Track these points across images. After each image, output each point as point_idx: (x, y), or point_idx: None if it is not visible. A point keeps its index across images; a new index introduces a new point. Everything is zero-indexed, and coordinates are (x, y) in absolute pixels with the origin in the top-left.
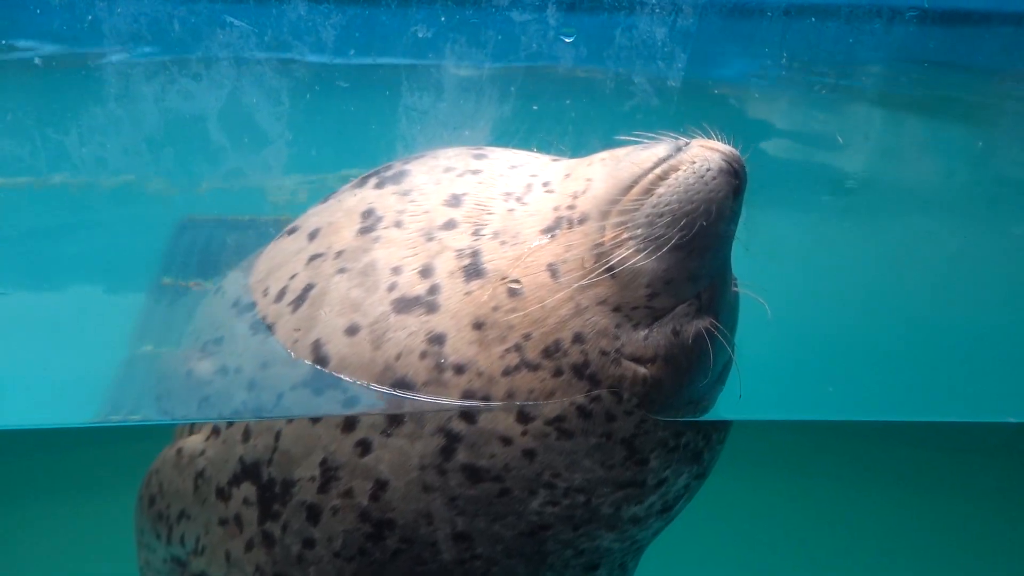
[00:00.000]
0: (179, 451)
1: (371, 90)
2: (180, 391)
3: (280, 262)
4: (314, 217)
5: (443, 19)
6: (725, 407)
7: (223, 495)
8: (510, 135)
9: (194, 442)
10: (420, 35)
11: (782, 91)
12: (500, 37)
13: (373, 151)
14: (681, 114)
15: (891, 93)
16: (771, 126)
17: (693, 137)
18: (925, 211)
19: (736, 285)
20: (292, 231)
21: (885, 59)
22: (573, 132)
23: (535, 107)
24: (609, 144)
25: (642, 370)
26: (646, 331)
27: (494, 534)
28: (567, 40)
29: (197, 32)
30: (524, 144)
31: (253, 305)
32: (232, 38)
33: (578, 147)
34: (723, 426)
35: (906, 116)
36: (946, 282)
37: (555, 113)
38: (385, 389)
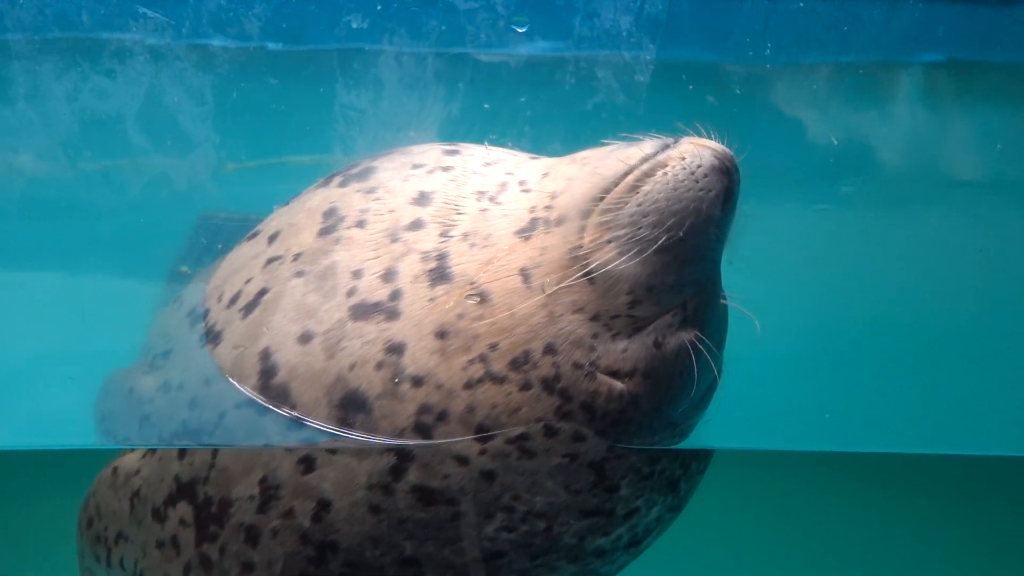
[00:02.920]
0: (115, 470)
1: (303, 87)
2: (121, 410)
3: (238, 267)
4: (276, 219)
5: (379, 7)
6: (709, 433)
7: (159, 516)
8: (460, 136)
9: (130, 461)
10: (354, 25)
11: (766, 86)
12: (444, 27)
13: (308, 155)
14: (651, 112)
15: (893, 86)
16: (754, 125)
17: (683, 135)
18: (930, 213)
19: (725, 297)
20: (254, 235)
21: (886, 48)
22: (531, 133)
23: (487, 105)
24: (572, 145)
25: (619, 385)
26: (625, 342)
27: (444, 560)
28: (520, 30)
29: (108, 24)
30: None
31: (207, 313)
32: (147, 30)
33: (537, 149)
34: (704, 454)
35: (910, 112)
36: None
37: (510, 111)
38: (332, 429)
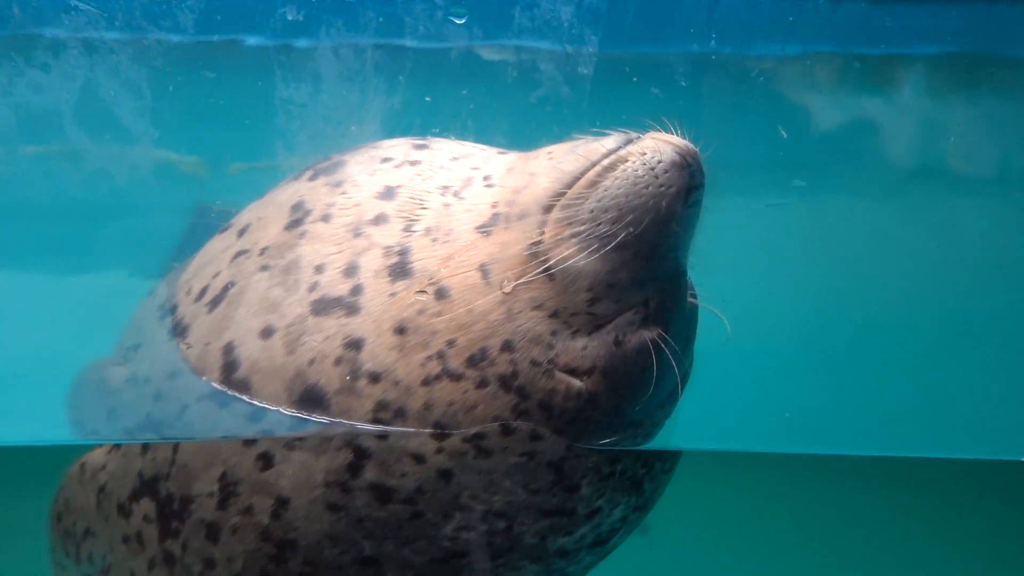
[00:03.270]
0: (82, 465)
1: (240, 80)
2: (90, 402)
3: (207, 261)
4: (247, 213)
5: None
6: (676, 435)
7: (124, 511)
8: (403, 130)
9: (96, 456)
10: (290, 17)
11: (710, 77)
12: (382, 19)
13: (248, 151)
14: (595, 105)
15: (839, 78)
16: (700, 118)
17: (650, 130)
18: (884, 206)
19: (694, 296)
20: (226, 229)
21: (831, 39)
22: (474, 126)
23: (428, 98)
24: (516, 138)
25: (577, 383)
26: (585, 340)
27: (403, 559)
28: (458, 22)
29: (41, 17)
30: None
31: (176, 307)
32: (80, 23)
33: (481, 142)
34: (669, 455)
35: (857, 104)
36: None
37: (452, 104)
38: (292, 412)
